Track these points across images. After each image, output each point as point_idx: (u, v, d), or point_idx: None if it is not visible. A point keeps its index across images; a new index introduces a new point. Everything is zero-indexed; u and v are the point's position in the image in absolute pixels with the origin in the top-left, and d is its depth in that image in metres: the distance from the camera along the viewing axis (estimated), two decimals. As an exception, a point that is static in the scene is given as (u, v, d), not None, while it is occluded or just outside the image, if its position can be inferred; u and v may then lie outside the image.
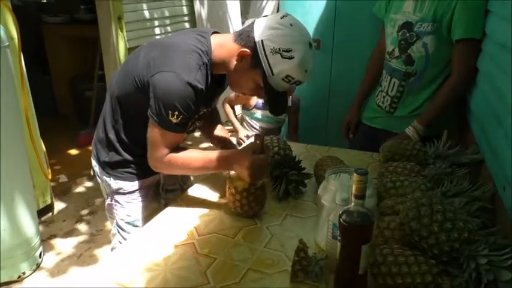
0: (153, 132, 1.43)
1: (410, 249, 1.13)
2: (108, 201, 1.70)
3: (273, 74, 1.37)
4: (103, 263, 1.30)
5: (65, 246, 2.86)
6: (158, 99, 1.37)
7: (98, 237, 2.94)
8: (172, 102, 1.36)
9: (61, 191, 3.51)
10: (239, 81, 1.48)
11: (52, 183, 3.20)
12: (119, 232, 1.71)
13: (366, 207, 1.04)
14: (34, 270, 2.58)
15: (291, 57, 1.34)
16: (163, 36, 3.96)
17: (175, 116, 1.37)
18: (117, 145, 1.60)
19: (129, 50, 3.65)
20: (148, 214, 1.64)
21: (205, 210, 1.55)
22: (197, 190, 1.69)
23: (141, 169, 1.59)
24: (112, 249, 1.75)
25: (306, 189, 1.66)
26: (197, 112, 1.52)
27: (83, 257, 2.74)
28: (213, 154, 1.49)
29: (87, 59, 4.40)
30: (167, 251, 1.32)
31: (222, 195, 1.57)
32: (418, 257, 1.10)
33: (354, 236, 1.05)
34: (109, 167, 1.64)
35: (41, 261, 2.66)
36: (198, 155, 1.50)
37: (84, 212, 3.26)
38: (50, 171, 2.93)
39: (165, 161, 1.45)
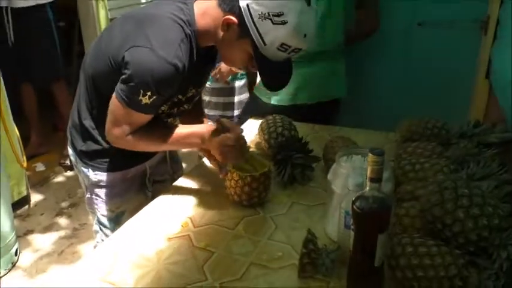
0: (117, 108, 1.39)
1: (433, 239, 1.13)
2: (87, 195, 1.69)
3: (265, 44, 1.33)
4: (87, 260, 1.30)
5: (43, 242, 2.87)
6: (130, 75, 1.33)
7: (81, 232, 2.96)
8: (145, 81, 1.32)
9: (38, 181, 3.52)
10: (230, 53, 1.45)
11: (28, 173, 3.20)
12: (101, 229, 1.71)
13: (382, 191, 1.04)
14: (9, 270, 2.60)
15: (283, 22, 1.28)
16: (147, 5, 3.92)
17: (147, 96, 1.34)
18: (94, 132, 1.58)
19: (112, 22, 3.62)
20: (134, 209, 1.61)
21: (201, 199, 1.55)
22: (191, 177, 1.69)
23: (124, 159, 1.58)
24: (95, 247, 1.76)
25: (314, 174, 1.66)
26: (184, 93, 1.51)
27: (64, 254, 2.76)
28: (183, 130, 1.49)
29: (64, 32, 4.36)
30: (159, 245, 1.32)
31: (223, 176, 1.56)
32: (442, 247, 1.10)
33: (369, 224, 1.05)
34: (87, 157, 1.62)
35: (17, 260, 2.68)
36: (165, 132, 1.48)
37: (65, 204, 3.27)
38: (25, 158, 2.93)
39: (127, 139, 1.44)
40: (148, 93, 1.34)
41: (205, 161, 1.74)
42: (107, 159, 1.61)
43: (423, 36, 2.75)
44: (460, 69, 2.65)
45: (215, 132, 1.46)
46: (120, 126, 1.42)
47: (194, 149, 1.68)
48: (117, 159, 1.60)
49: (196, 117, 1.77)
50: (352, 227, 1.07)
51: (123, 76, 1.35)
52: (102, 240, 1.68)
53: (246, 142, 1.54)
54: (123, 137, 1.43)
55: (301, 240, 1.17)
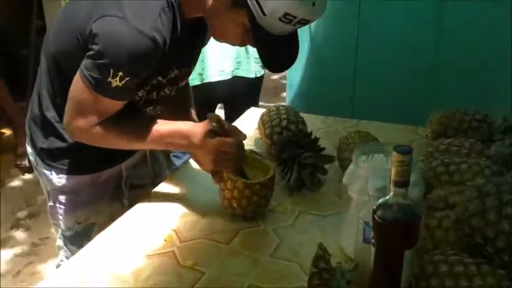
0: (81, 92, 1.38)
1: (471, 256, 1.13)
2: (50, 203, 1.70)
3: (264, 13, 1.31)
4: (49, 282, 1.30)
5: (-4, 260, 2.87)
6: (98, 51, 1.33)
7: (42, 248, 2.96)
8: (116, 58, 1.32)
9: (-11, 187, 3.52)
10: (221, 26, 1.45)
11: (-23, 176, 3.21)
12: (65, 245, 1.72)
13: (409, 198, 1.04)
14: (-45, 294, 2.60)
15: None
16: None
17: (118, 78, 1.33)
18: (58, 126, 1.57)
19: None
20: (107, 220, 1.61)
21: (188, 208, 1.55)
22: (176, 181, 1.69)
23: (94, 158, 1.58)
24: (58, 266, 1.75)
25: (327, 177, 1.66)
26: (164, 74, 1.51)
27: (21, 274, 2.76)
28: (164, 127, 1.49)
29: (21, 4, 4.37)
30: (137, 263, 1.32)
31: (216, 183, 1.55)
32: (482, 265, 1.09)
33: (393, 238, 1.05)
34: (49, 157, 1.62)
35: (-36, 282, 2.68)
36: (142, 126, 1.47)
37: (22, 214, 3.27)
38: (-27, 159, 2.94)
39: (92, 132, 1.42)
40: (120, 74, 1.33)
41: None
42: (74, 159, 1.61)
43: (456, 7, 2.73)
44: (502, 47, 2.63)
45: (210, 133, 1.45)
46: (84, 115, 1.40)
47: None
48: (86, 159, 1.60)
49: (183, 111, 1.76)
50: (372, 241, 1.07)
51: (90, 52, 1.35)
52: (67, 258, 1.68)
53: (244, 151, 1.54)
54: (87, 130, 1.42)
55: (311, 258, 1.16)
